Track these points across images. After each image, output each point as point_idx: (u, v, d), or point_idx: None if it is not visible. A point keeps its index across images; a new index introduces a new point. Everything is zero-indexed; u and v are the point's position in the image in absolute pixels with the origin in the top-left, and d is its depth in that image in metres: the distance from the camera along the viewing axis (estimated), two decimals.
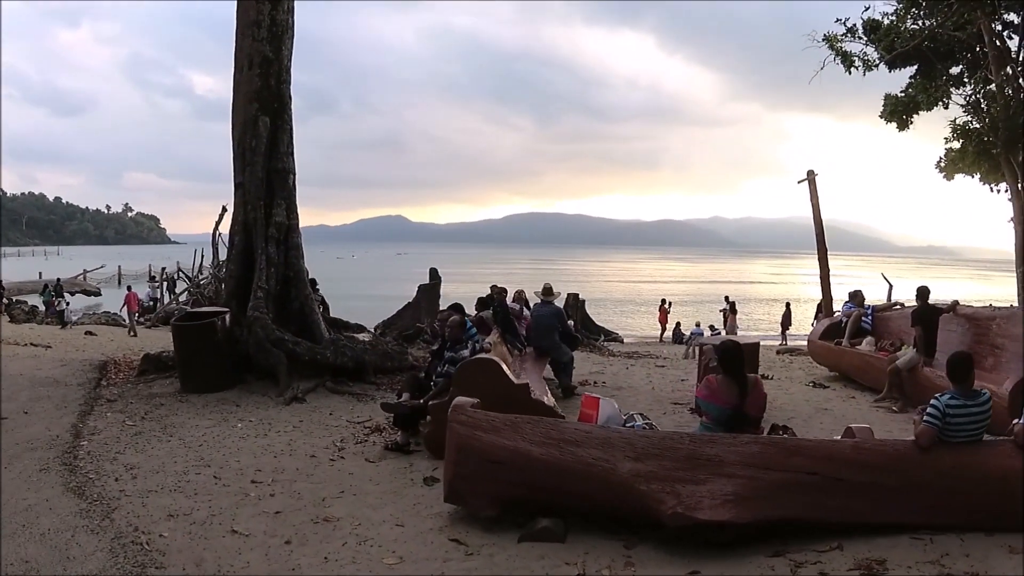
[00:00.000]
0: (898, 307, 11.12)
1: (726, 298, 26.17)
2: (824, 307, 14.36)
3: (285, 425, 7.11)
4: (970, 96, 14.67)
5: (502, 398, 5.74)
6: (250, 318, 8.73)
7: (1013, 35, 14.03)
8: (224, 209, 19.09)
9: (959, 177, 16.54)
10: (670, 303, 26.08)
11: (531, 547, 4.24)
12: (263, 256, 9.38)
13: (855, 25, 15.74)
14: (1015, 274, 14.28)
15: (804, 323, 25.40)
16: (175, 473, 5.45)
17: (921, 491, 4.27)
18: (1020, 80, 13.39)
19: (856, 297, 11.28)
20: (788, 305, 26.60)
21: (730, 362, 4.87)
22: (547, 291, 8.93)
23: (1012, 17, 13.95)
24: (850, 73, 15.41)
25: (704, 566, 3.96)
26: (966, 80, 15.77)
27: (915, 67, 16.73)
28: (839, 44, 15.23)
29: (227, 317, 8.58)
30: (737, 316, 25.79)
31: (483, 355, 6.34)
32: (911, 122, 16.81)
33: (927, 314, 8.86)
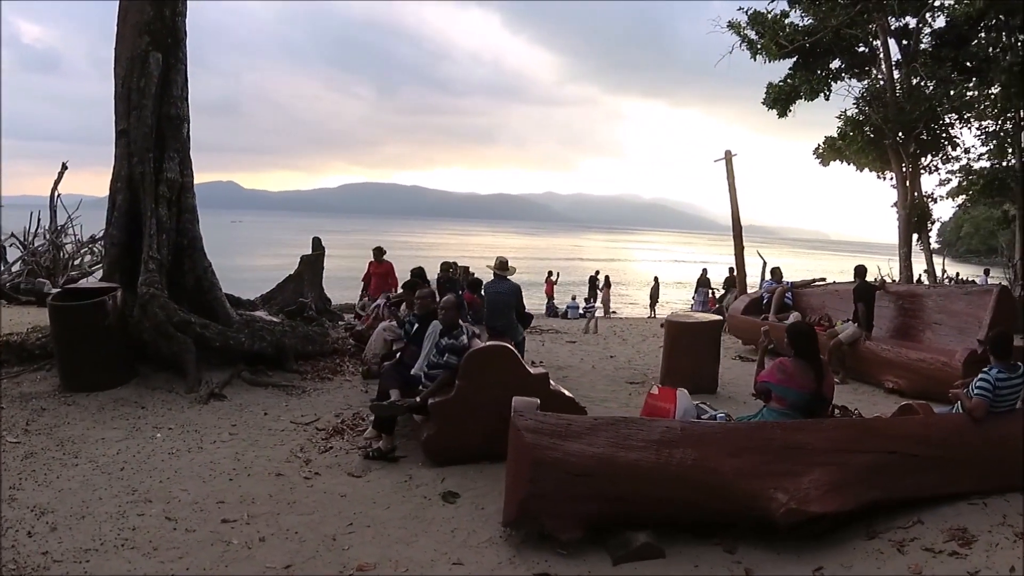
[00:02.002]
0: (818, 283, 11.38)
1: (596, 272, 26.49)
2: (738, 284, 14.60)
3: (217, 432, 5.66)
4: (864, 90, 15.45)
5: (517, 390, 4.82)
6: (144, 296, 6.96)
7: (904, 39, 14.92)
8: (64, 167, 15.89)
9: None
10: (557, 274, 25.86)
11: (634, 568, 3.64)
12: (153, 220, 7.57)
13: (755, 12, 16.01)
14: (898, 254, 15.36)
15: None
16: (108, 516, 3.97)
17: (976, 460, 4.42)
18: (913, 78, 14.25)
19: (776, 273, 11.42)
20: (656, 280, 27.45)
21: (804, 344, 4.58)
22: (502, 265, 7.97)
23: (909, 21, 14.81)
24: (755, 60, 15.67)
25: (819, 560, 3.79)
26: (845, 75, 16.61)
27: (794, 59, 17.41)
28: (744, 31, 15.41)
29: (118, 295, 6.71)
30: (610, 290, 26.21)
31: (494, 342, 5.31)
32: (791, 110, 17.51)
33: (868, 291, 9.03)
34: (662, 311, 25.19)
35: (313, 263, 13.77)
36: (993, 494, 4.34)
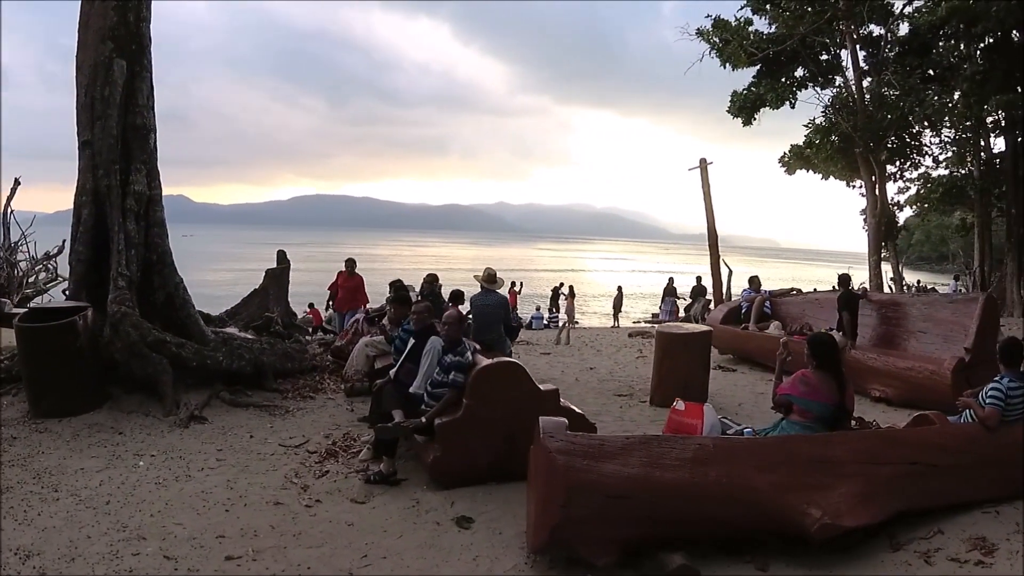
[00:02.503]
0: (794, 293, 11.52)
1: (561, 284, 26.55)
2: (715, 294, 14.70)
3: (203, 458, 5.36)
4: (833, 98, 15.79)
5: (527, 408, 4.82)
6: (115, 314, 6.60)
7: (870, 47, 15.30)
8: (17, 182, 15.25)
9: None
10: (520, 284, 25.77)
11: None
12: (120, 235, 7.21)
13: (720, 20, 16.26)
14: (871, 261, 15.69)
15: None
16: (101, 557, 3.68)
17: (989, 468, 4.51)
18: (882, 87, 14.60)
19: (754, 283, 11.52)
20: (620, 289, 27.60)
21: (827, 356, 4.58)
22: (490, 278, 7.83)
23: (874, 29, 15.22)
24: (724, 68, 15.92)
25: (852, 574, 3.75)
26: (810, 83, 16.98)
27: (758, 68, 17.74)
28: (714, 38, 15.64)
29: (88, 314, 6.34)
30: (574, 300, 26.22)
31: (502, 358, 5.18)
32: (756, 118, 17.80)
33: (852, 300, 9.13)
34: (624, 322, 25.36)
35: (279, 277, 13.43)
36: (1003, 501, 4.46)
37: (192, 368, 6.87)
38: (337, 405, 7.20)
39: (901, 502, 4.15)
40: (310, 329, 15.01)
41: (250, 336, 8.50)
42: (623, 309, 27.53)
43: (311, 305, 18.47)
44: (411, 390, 5.42)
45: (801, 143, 17.40)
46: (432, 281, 8.35)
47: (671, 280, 21.79)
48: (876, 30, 15.77)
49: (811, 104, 17.05)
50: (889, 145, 15.66)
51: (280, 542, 3.98)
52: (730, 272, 19.36)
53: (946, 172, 18.33)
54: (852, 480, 4.00)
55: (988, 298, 8.27)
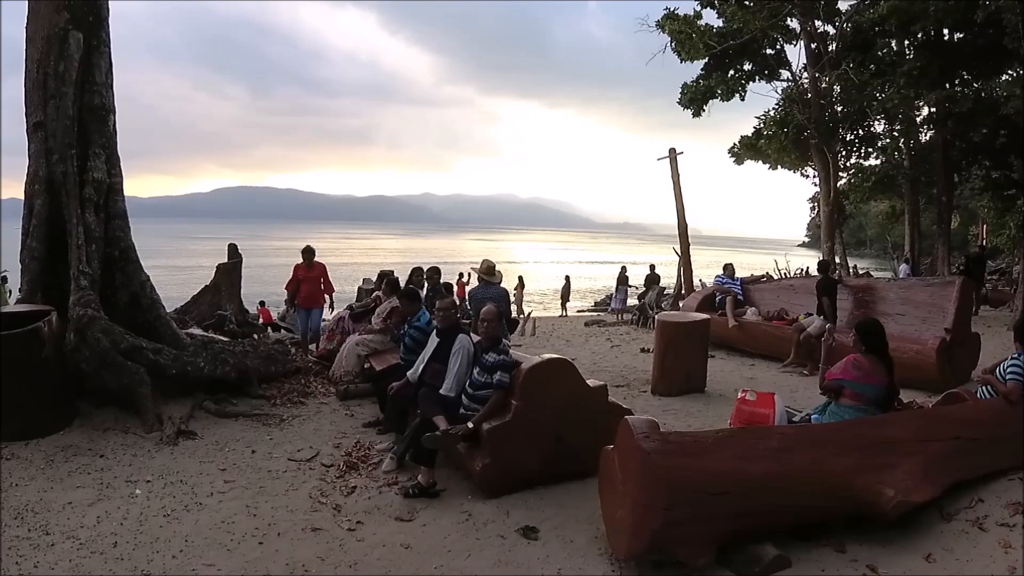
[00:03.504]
0: (764, 280, 11.55)
1: (520, 277, 26.26)
2: (685, 282, 14.63)
3: (208, 481, 4.78)
4: (789, 90, 15.99)
5: (577, 406, 4.72)
6: (81, 319, 5.81)
7: (820, 43, 15.56)
8: None
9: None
10: (468, 275, 25.21)
11: None
12: (80, 228, 6.37)
13: (671, 13, 16.22)
14: (823, 247, 16.02)
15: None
16: None
17: (1013, 439, 4.68)
18: (835, 82, 14.87)
19: (727, 269, 11.49)
20: (568, 279, 27.47)
21: (876, 340, 4.60)
22: (490, 270, 7.42)
23: (819, 25, 15.46)
24: (682, 62, 15.88)
25: (922, 548, 3.78)
26: (757, 77, 17.20)
27: (705, 61, 17.84)
28: (676, 29, 15.57)
29: (53, 319, 5.50)
30: (523, 291, 25.94)
31: (551, 355, 4.95)
32: (704, 109, 17.90)
33: (831, 285, 9.19)
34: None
35: (231, 272, 12.49)
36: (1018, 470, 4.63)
37: (171, 376, 6.13)
38: (333, 410, 6.66)
39: (951, 475, 4.29)
40: (268, 328, 14.04)
41: (224, 338, 7.71)
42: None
43: (262, 303, 17.39)
44: (441, 392, 4.91)
45: (750, 134, 17.63)
46: (434, 274, 7.76)
47: (624, 269, 21.79)
48: (822, 26, 16.10)
49: (758, 96, 17.34)
50: (845, 136, 16.08)
51: (335, 574, 3.40)
52: (680, 259, 19.42)
53: (877, 162, 18.98)
54: (912, 458, 4.08)
55: (964, 282, 8.51)
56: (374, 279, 14.34)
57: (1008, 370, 4.90)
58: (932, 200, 20.48)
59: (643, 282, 19.38)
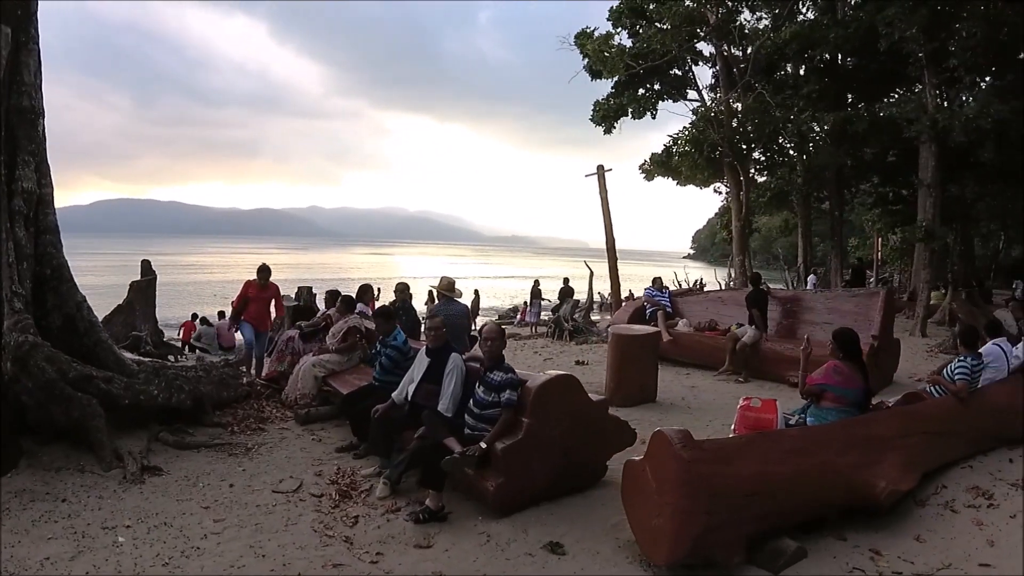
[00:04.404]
0: (696, 292, 12.06)
1: (431, 288, 25.92)
2: (613, 296, 14.97)
3: (196, 521, 4.49)
4: (706, 110, 16.77)
5: (581, 420, 4.88)
6: (20, 346, 5.27)
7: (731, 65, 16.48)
8: None
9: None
10: (378, 290, 24.67)
11: (795, 570, 3.78)
12: (9, 244, 5.78)
13: (586, 31, 16.74)
14: (736, 260, 16.86)
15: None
16: None
17: (966, 430, 5.44)
18: (749, 103, 15.77)
19: (656, 282, 11.92)
20: (477, 293, 27.49)
21: (852, 347, 5.04)
22: (450, 287, 7.39)
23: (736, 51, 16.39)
24: (593, 80, 16.39)
25: (910, 530, 4.27)
26: (665, 96, 18.02)
27: (614, 80, 18.52)
28: (597, 48, 16.04)
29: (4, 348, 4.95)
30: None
31: (557, 372, 4.88)
32: (616, 126, 18.54)
33: (761, 296, 9.69)
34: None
35: (145, 290, 11.72)
36: (970, 458, 5.45)
37: (123, 407, 5.63)
38: (297, 436, 6.43)
39: (924, 466, 4.88)
40: (186, 347, 13.22)
41: (166, 362, 7.18)
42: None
43: (194, 316, 16.31)
44: (440, 411, 4.86)
45: (660, 151, 18.39)
46: (404, 290, 7.55)
47: (536, 283, 22.12)
48: (732, 50, 17.10)
49: (666, 114, 18.16)
50: (755, 156, 17.13)
51: None
52: (591, 274, 19.96)
53: (772, 179, 20.30)
54: (894, 452, 4.56)
55: (888, 292, 9.22)
56: (293, 295, 13.80)
57: (956, 371, 5.67)
58: (822, 214, 22.32)
59: (557, 295, 19.76)
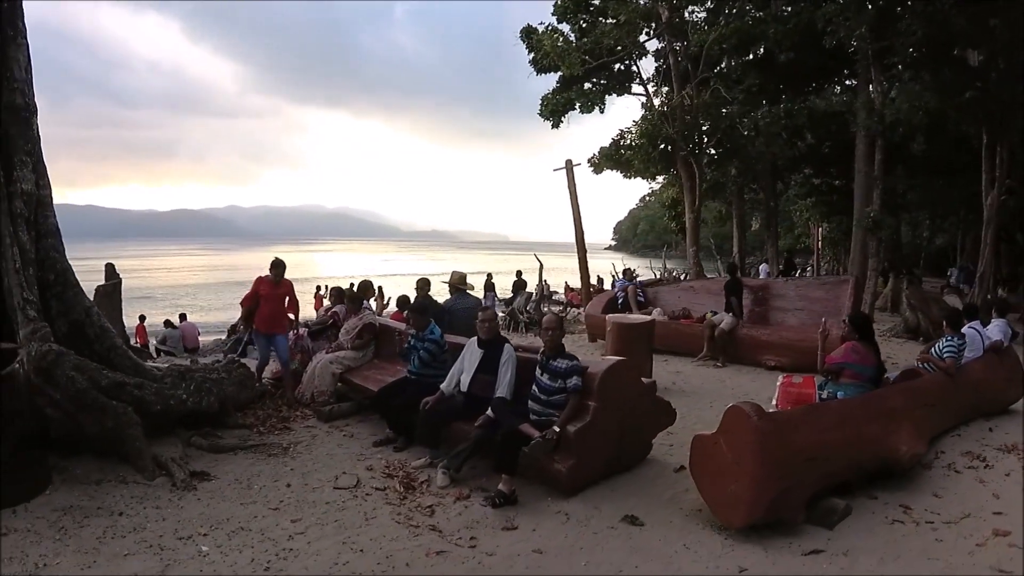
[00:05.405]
0: (664, 282, 12.44)
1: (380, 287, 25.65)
2: (583, 289, 15.18)
3: (274, 523, 4.41)
4: (661, 105, 17.15)
5: (638, 402, 5.21)
6: (44, 356, 4.99)
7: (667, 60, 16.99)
8: None
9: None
10: (326, 287, 24.12)
11: (846, 525, 4.21)
12: (13, 248, 5.46)
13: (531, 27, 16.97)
14: (690, 251, 17.44)
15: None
16: None
17: (955, 401, 6.11)
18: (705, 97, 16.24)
19: (627, 274, 12.23)
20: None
21: (867, 329, 5.56)
22: (462, 280, 7.44)
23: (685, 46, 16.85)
24: (538, 75, 16.65)
25: (927, 488, 4.78)
26: (612, 92, 18.40)
27: (559, 74, 18.76)
28: (552, 42, 16.19)
29: (25, 359, 4.63)
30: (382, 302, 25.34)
31: (616, 357, 5.08)
32: (564, 120, 18.82)
33: (738, 285, 10.12)
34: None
35: (111, 294, 11.17)
36: (959, 426, 6.20)
37: (154, 413, 5.37)
38: (327, 433, 6.46)
39: (930, 433, 5.49)
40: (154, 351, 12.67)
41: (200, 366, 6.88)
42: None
43: (142, 318, 15.50)
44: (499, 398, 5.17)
45: (608, 145, 18.73)
46: (424, 286, 7.46)
47: (489, 276, 22.19)
48: (682, 45, 17.60)
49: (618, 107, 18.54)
50: (710, 151, 17.70)
51: None
52: (541, 266, 20.22)
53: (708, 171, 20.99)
54: (907, 421, 5.09)
55: (856, 280, 9.82)
56: None
57: (944, 350, 6.33)
58: (755, 205, 23.37)
59: (511, 289, 19.93)
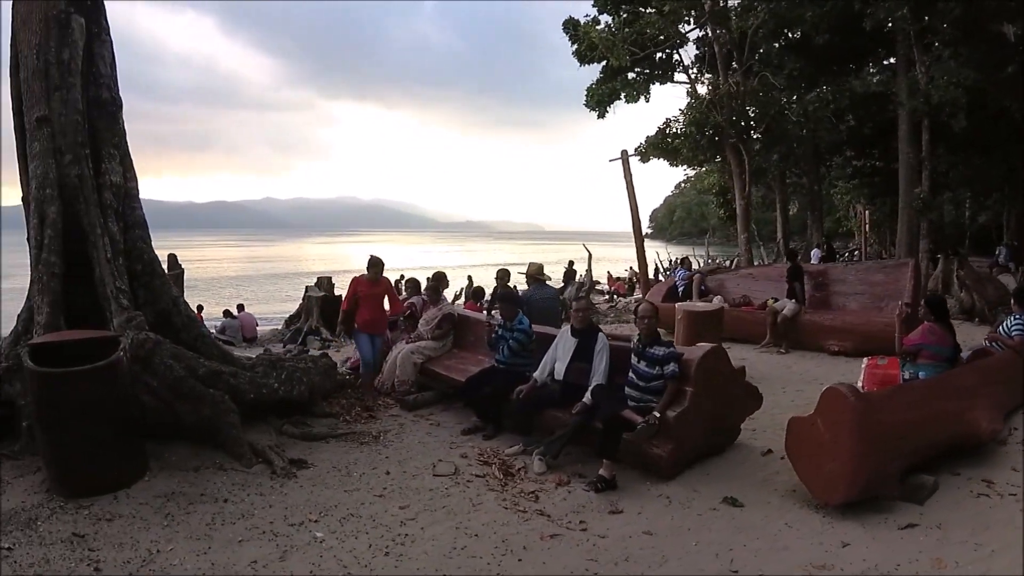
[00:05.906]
0: (721, 270, 12.21)
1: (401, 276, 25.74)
2: (642, 278, 15.07)
3: (382, 509, 4.35)
4: (708, 94, 16.87)
5: (730, 387, 5.19)
6: (143, 344, 4.98)
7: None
8: None
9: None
10: (402, 277, 24.25)
11: (934, 500, 4.22)
12: (105, 238, 5.48)
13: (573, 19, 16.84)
14: (742, 237, 17.19)
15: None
16: None
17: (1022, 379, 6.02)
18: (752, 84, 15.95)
19: (686, 263, 12.03)
20: (470, 279, 27.36)
21: (943, 311, 5.66)
22: (539, 271, 7.35)
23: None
24: (581, 65, 16.51)
25: (1004, 464, 4.73)
26: (656, 81, 18.13)
27: (603, 64, 18.52)
28: (587, 34, 16.05)
29: (127, 348, 4.64)
30: None
31: (708, 344, 5.31)
32: (609, 110, 18.60)
33: (799, 271, 9.89)
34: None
35: (175, 283, 11.35)
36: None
37: (247, 402, 5.38)
38: (413, 422, 6.48)
39: (1004, 410, 5.48)
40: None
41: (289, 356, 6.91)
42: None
43: (199, 308, 15.76)
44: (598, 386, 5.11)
45: (654, 134, 18.48)
46: (504, 276, 7.46)
47: (571, 263, 22.13)
48: (718, 32, 17.29)
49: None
50: (756, 136, 17.37)
51: (634, 569, 3.56)
52: (590, 256, 20.05)
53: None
54: (984, 399, 5.10)
55: (915, 263, 9.48)
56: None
57: (1013, 328, 6.22)
58: (797, 189, 22.88)
59: (562, 278, 19.82)
